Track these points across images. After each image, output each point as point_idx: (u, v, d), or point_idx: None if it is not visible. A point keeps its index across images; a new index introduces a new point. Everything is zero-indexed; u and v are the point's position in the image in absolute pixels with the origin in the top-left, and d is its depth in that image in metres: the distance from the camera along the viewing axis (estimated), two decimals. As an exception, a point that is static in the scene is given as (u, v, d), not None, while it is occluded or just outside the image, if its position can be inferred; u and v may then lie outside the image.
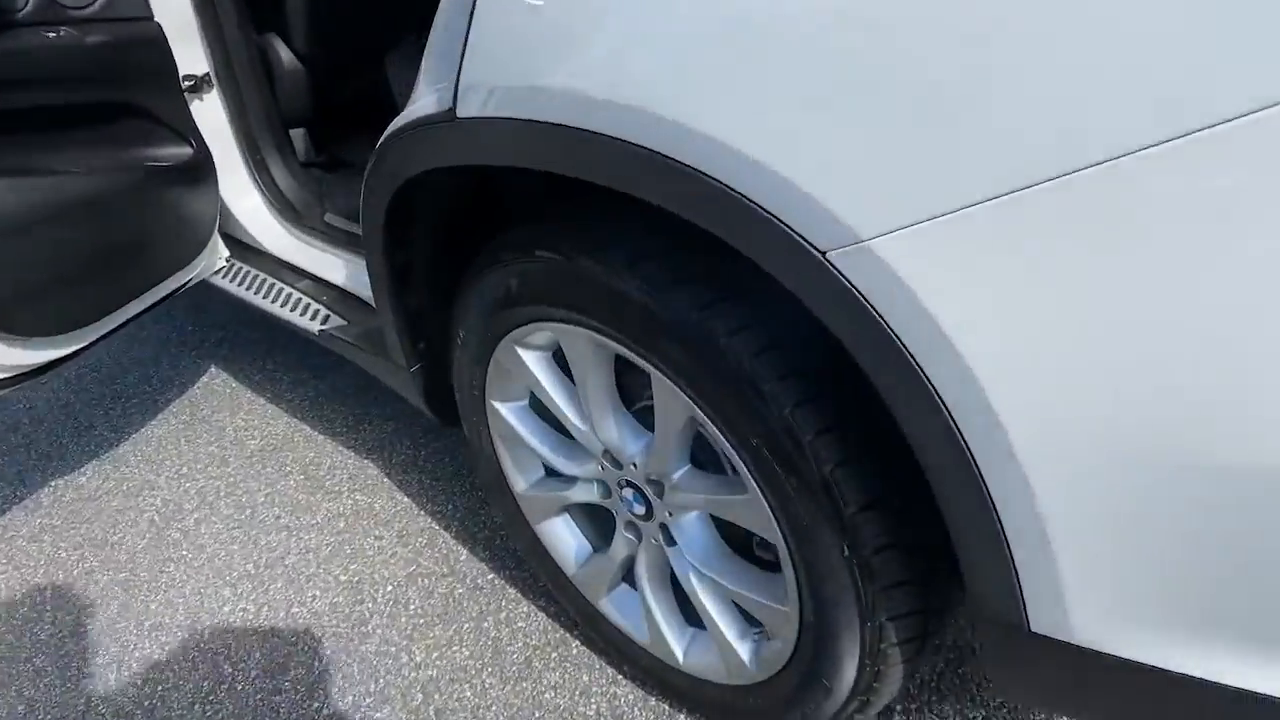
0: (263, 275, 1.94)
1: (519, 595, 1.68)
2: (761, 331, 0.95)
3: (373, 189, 1.24)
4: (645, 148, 0.82)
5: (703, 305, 0.97)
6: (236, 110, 1.89)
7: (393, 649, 1.62)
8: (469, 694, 1.52)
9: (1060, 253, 0.66)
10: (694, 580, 1.23)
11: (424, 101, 1.09)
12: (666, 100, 0.79)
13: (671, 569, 1.30)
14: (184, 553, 1.90)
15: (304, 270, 1.88)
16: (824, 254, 0.75)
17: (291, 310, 1.81)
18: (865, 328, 0.76)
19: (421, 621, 1.67)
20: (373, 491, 1.99)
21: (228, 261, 2.01)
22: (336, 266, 1.81)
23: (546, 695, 1.50)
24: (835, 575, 0.98)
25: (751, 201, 0.78)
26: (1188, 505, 0.69)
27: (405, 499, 1.96)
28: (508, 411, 1.37)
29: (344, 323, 1.71)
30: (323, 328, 1.72)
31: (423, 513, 1.91)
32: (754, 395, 0.94)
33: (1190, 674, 0.74)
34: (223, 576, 1.83)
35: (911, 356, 0.75)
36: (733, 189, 0.78)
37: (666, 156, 0.80)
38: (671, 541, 1.25)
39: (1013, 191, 0.66)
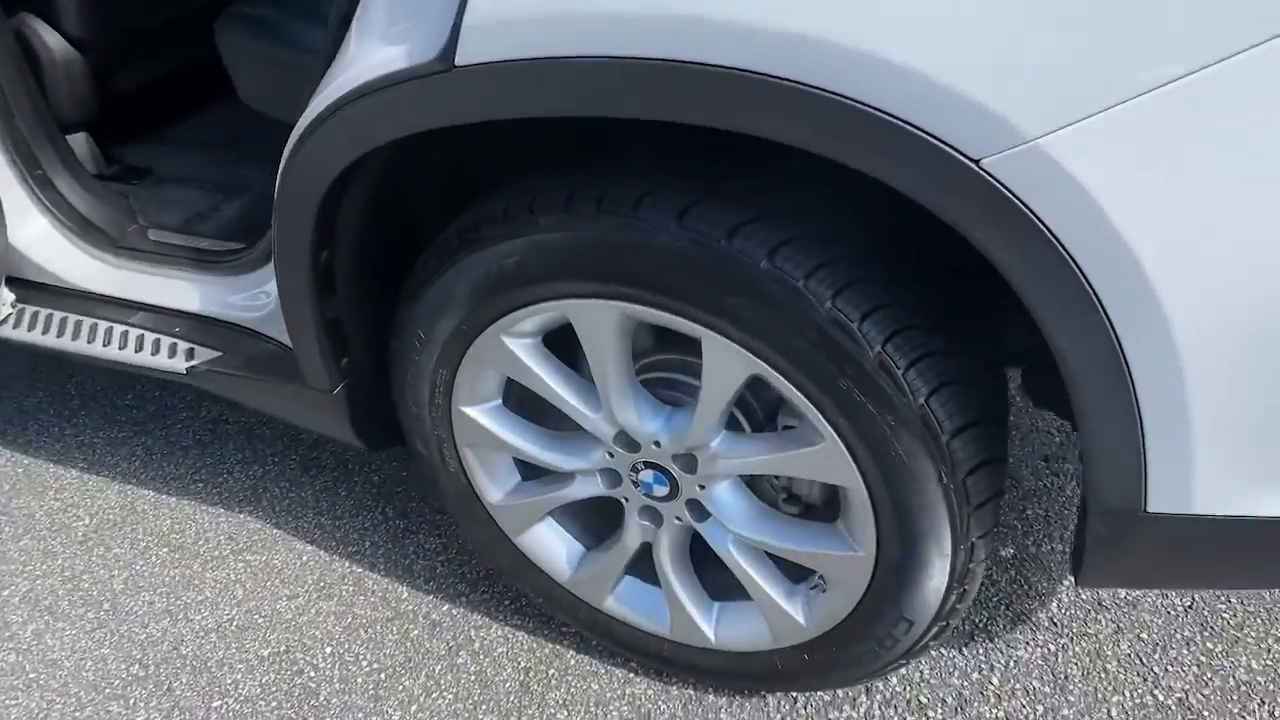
0: (71, 316, 1.57)
1: (486, 620, 1.52)
2: (839, 269, 0.90)
3: (300, 174, 1.02)
4: (755, 72, 0.72)
5: (771, 251, 0.89)
6: (0, 114, 1.50)
7: (360, 715, 1.40)
8: (470, 739, 1.35)
9: (1233, 133, 0.67)
10: (733, 549, 1.16)
11: (383, 56, 0.91)
12: (781, 11, 0.70)
13: (693, 547, 1.23)
14: (31, 676, 1.52)
15: (134, 302, 1.55)
16: (977, 162, 0.71)
17: (136, 351, 1.48)
18: (1020, 234, 0.73)
19: (383, 676, 1.45)
20: (265, 548, 1.70)
21: (13, 306, 1.61)
22: (182, 290, 1.50)
23: (559, 716, 1.36)
24: (930, 506, 0.96)
25: (886, 114, 0.71)
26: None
27: (309, 547, 1.69)
28: (481, 414, 1.21)
29: (218, 354, 1.43)
30: (191, 364, 1.43)
31: (337, 556, 1.67)
32: (842, 336, 0.89)
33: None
34: (100, 690, 1.48)
35: (1071, 256, 0.73)
36: (863, 103, 0.71)
37: (784, 79, 0.72)
38: (702, 517, 1.17)
39: (1191, 74, 0.65)
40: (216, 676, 1.48)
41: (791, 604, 1.17)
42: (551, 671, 1.43)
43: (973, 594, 1.06)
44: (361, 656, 1.49)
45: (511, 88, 0.84)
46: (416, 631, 1.52)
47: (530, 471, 1.33)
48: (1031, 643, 1.37)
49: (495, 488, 1.30)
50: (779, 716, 1.32)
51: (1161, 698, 1.28)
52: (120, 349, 1.50)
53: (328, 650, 1.50)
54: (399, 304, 1.18)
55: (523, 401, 1.24)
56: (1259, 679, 1.29)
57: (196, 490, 1.85)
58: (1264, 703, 1.26)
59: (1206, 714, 1.25)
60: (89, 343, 1.52)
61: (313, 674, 1.47)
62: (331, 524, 1.74)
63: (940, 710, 1.30)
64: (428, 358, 1.16)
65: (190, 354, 1.44)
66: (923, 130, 0.71)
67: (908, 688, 1.33)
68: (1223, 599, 1.39)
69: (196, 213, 1.70)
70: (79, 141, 1.73)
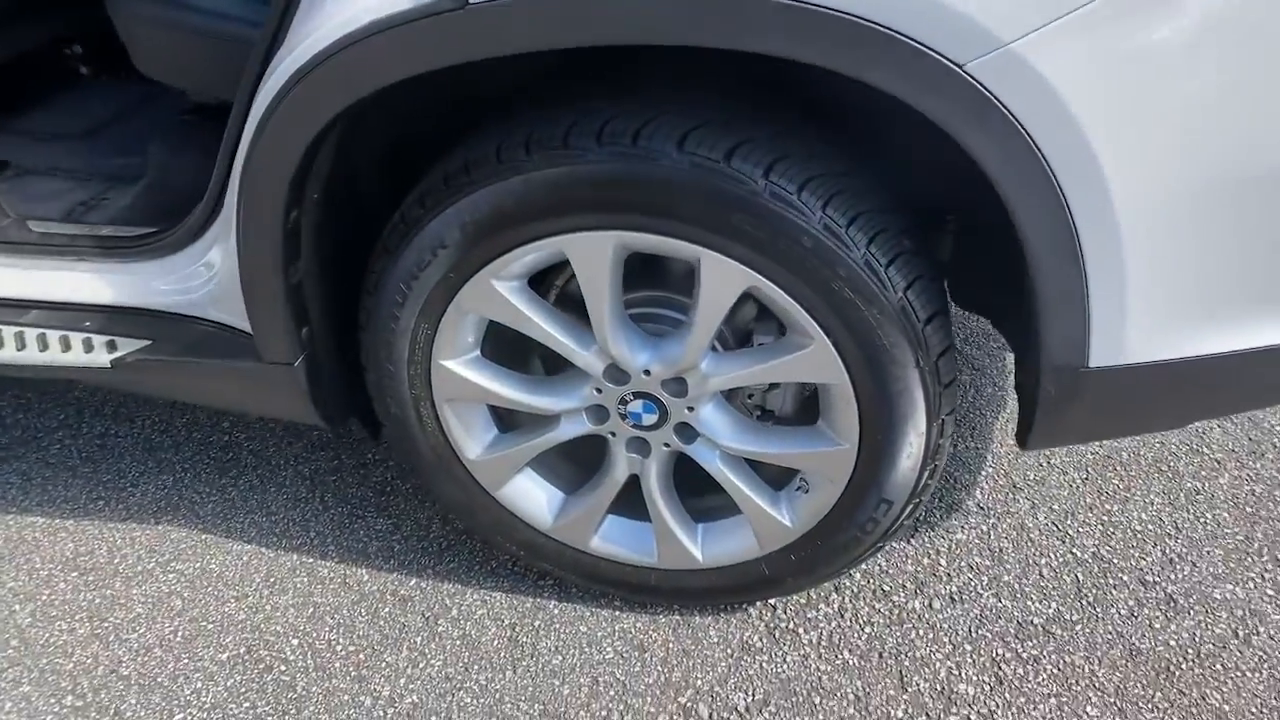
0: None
1: (459, 586, 1.51)
2: (824, 182, 0.99)
3: (282, 127, 1.00)
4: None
5: (766, 169, 0.97)
6: None
7: (346, 697, 1.36)
8: (469, 699, 1.35)
9: (1168, 29, 0.81)
10: (721, 465, 1.24)
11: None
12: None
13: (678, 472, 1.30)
14: (-57, 728, 1.36)
15: (22, 300, 1.41)
16: (961, 66, 0.82)
17: (41, 351, 1.36)
18: (995, 127, 0.85)
19: (363, 657, 1.42)
20: (196, 555, 1.60)
21: None
22: (86, 281, 1.39)
23: (554, 661, 1.39)
24: (909, 389, 1.08)
25: (879, 25, 0.81)
26: (1243, 209, 0.91)
27: (247, 546, 1.61)
28: (462, 367, 1.22)
29: (146, 343, 1.33)
30: (116, 356, 1.33)
31: (282, 551, 1.60)
32: (834, 241, 0.99)
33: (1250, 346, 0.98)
34: (35, 727, 1.35)
35: (1035, 142, 0.86)
36: (862, 18, 0.81)
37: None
38: (690, 439, 1.24)
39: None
40: (171, 690, 1.39)
41: (777, 508, 1.26)
42: (537, 623, 1.45)
43: (941, 469, 1.19)
44: (334, 643, 1.44)
45: (523, 21, 0.87)
46: (387, 609, 1.49)
47: (506, 425, 1.34)
48: (966, 526, 1.54)
49: (474, 443, 1.31)
50: (762, 624, 1.41)
51: (1079, 554, 1.48)
52: (19, 351, 1.37)
53: (294, 642, 1.45)
54: (374, 260, 1.16)
55: (495, 352, 1.26)
56: (1149, 527, 1.52)
57: (97, 509, 1.71)
58: (1156, 544, 1.49)
59: (1115, 560, 1.47)
60: (-25, 350, 1.37)
61: (284, 668, 1.41)
62: (267, 521, 1.66)
63: (903, 594, 1.44)
64: (409, 313, 1.16)
65: (112, 346, 1.34)
66: (915, 40, 0.82)
67: (870, 580, 1.46)
68: (1110, 467, 1.63)
69: (79, 203, 1.57)
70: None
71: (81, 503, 1.72)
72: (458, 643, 1.43)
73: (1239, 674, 1.29)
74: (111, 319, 1.37)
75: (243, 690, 1.38)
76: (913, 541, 1.52)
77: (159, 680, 1.40)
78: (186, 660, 1.43)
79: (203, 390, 1.37)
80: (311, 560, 1.58)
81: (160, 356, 1.32)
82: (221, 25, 1.34)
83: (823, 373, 1.10)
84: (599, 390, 1.22)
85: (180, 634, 1.47)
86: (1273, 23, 0.82)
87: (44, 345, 1.36)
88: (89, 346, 1.35)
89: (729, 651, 1.38)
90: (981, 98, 0.84)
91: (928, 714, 1.28)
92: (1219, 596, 1.40)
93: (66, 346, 1.36)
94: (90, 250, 1.39)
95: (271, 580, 1.55)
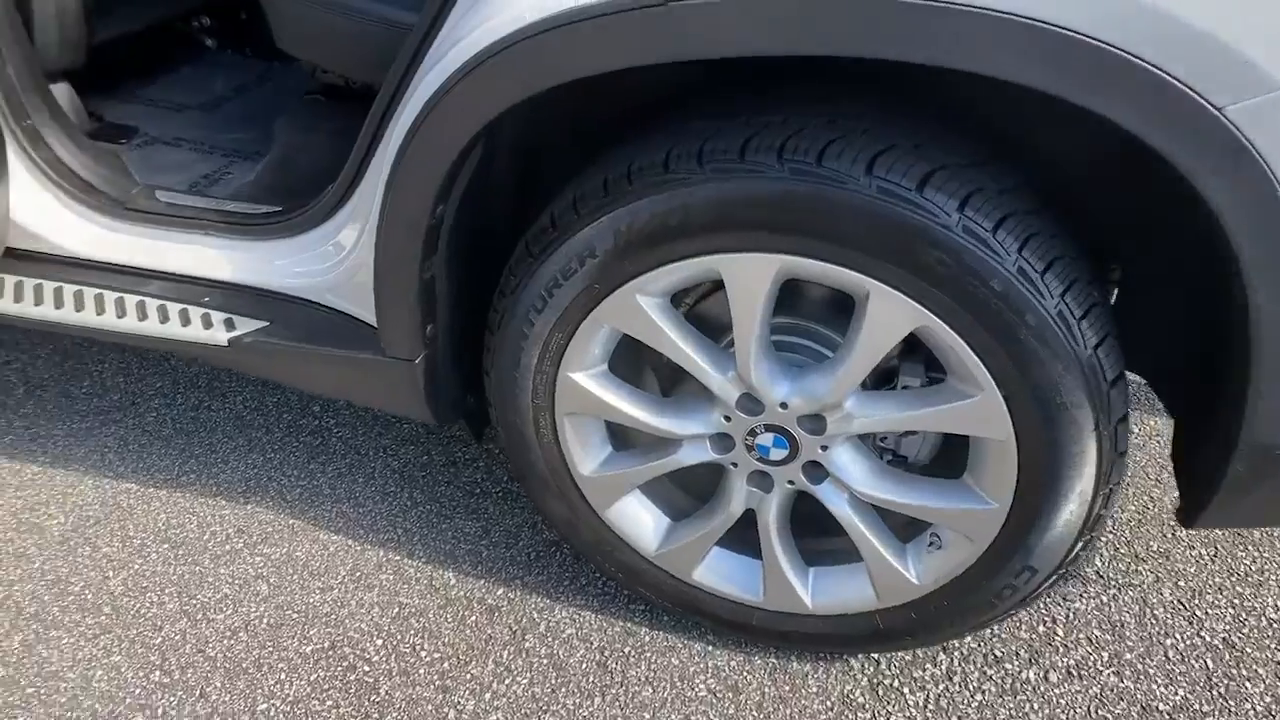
0: (67, 286, 1.41)
1: (548, 601, 1.46)
2: (1022, 221, 0.92)
3: (450, 114, 0.96)
4: (999, 11, 0.74)
5: (961, 203, 0.91)
6: (-16, 57, 1.33)
7: (430, 708, 1.32)
8: (555, 723, 1.30)
9: None
10: (849, 509, 1.17)
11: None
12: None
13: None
14: (29, 691, 1.35)
15: (146, 269, 1.40)
16: (1220, 110, 0.75)
17: (161, 323, 1.34)
18: (1247, 176, 0.77)
19: (446, 665, 1.37)
20: (283, 540, 1.58)
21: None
22: (209, 256, 1.37)
23: (644, 693, 1.33)
24: (1082, 454, 1.00)
25: (1139, 59, 0.74)
26: None
27: (335, 536, 1.58)
28: (590, 380, 1.17)
29: (264, 324, 1.31)
30: (234, 335, 1.31)
31: (369, 545, 1.56)
32: (1028, 286, 0.92)
33: None
34: (119, 701, 1.33)
35: (1289, 202, 0.78)
36: (1118, 48, 0.74)
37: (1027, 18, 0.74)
38: (818, 479, 1.17)
39: None
40: (255, 678, 1.36)
41: (903, 562, 1.19)
42: (627, 649, 1.39)
43: (1097, 540, 1.11)
44: (419, 647, 1.40)
45: (725, 25, 0.82)
46: (474, 618, 1.44)
47: (620, 443, 1.29)
48: (1085, 595, 1.45)
49: (589, 459, 1.26)
50: (864, 679, 1.34)
51: (1209, 638, 1.38)
52: (140, 320, 1.35)
53: (378, 642, 1.41)
54: (514, 263, 1.12)
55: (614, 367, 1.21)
56: (1289, 616, 1.42)
57: (188, 482, 1.69)
58: (1298, 636, 1.39)
59: (1249, 650, 1.36)
60: (98, 315, 1.37)
61: (367, 669, 1.37)
62: (355, 512, 1.63)
63: (1015, 662, 1.35)
64: (546, 320, 1.11)
65: (230, 324, 1.32)
66: (1169, 74, 0.74)
67: (981, 644, 1.38)
68: (1241, 546, 1.52)
69: (202, 175, 1.56)
70: (61, 93, 1.55)
71: (174, 474, 1.71)
72: (545, 661, 1.38)
73: (1397, 794, 1.18)
74: (230, 296, 1.35)
75: (326, 687, 1.35)
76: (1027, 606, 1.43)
77: (244, 666, 1.38)
78: (271, 649, 1.40)
79: (313, 377, 1.34)
80: (398, 558, 1.54)
81: (277, 339, 1.29)
82: (370, 5, 1.32)
83: (986, 426, 1.03)
84: (728, 418, 1.16)
85: (266, 621, 1.44)
86: None
87: (164, 317, 1.35)
88: (208, 323, 1.33)
89: (828, 704, 1.31)
90: (1237, 142, 0.76)
91: (1045, 797, 1.19)
92: (1370, 703, 1.29)
93: (186, 321, 1.34)
94: (215, 224, 1.37)
95: (357, 575, 1.51)
